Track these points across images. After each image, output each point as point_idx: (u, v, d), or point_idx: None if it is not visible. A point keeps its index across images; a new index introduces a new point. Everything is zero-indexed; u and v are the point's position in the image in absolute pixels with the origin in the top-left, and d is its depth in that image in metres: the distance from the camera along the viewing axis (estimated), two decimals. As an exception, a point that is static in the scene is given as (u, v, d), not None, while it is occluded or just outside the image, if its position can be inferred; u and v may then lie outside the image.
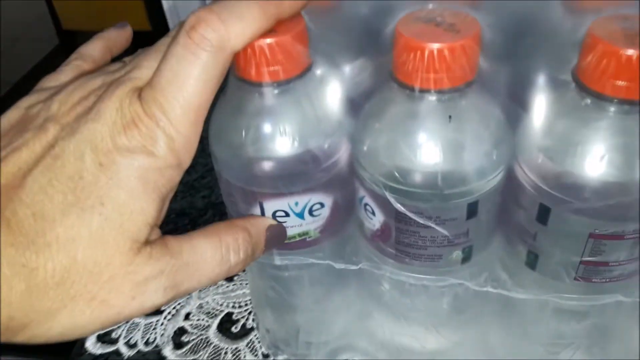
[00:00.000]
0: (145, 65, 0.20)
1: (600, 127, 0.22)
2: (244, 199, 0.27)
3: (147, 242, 0.19)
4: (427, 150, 0.23)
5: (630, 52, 0.20)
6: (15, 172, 0.18)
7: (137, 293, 0.19)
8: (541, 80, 0.26)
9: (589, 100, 0.22)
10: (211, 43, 0.19)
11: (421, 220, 0.25)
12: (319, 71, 0.25)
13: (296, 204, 0.26)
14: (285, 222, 0.27)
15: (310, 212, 0.27)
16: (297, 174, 0.25)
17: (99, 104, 0.19)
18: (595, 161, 0.22)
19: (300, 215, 0.27)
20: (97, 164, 0.18)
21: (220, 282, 0.41)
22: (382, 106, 0.24)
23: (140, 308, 0.20)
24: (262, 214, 0.26)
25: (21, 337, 0.19)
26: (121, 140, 0.18)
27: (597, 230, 0.23)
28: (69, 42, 1.66)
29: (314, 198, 0.26)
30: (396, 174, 0.24)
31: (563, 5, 0.26)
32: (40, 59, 1.93)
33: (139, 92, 0.19)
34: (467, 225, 0.25)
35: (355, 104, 0.26)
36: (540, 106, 0.24)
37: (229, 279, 0.41)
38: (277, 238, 0.25)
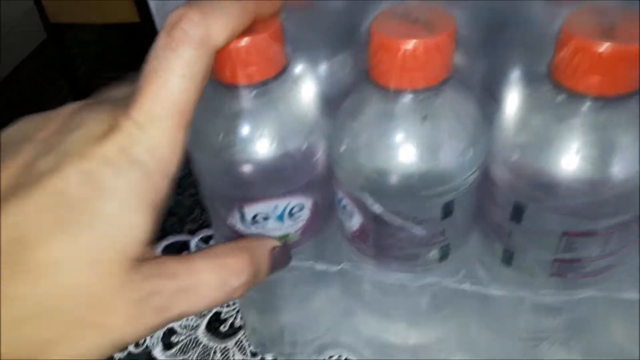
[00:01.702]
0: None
1: (574, 124, 0.21)
2: (223, 203, 0.27)
3: (140, 261, 0.18)
4: (403, 151, 0.23)
5: (603, 46, 0.19)
6: None
7: (133, 314, 0.18)
8: (517, 74, 0.26)
9: (562, 97, 0.21)
10: (193, 39, 0.17)
11: (398, 221, 0.25)
12: (296, 70, 0.25)
13: (276, 207, 0.26)
14: (265, 225, 0.27)
15: (290, 215, 0.27)
16: (276, 177, 0.25)
17: (78, 118, 0.18)
18: (569, 159, 0.22)
19: (280, 218, 0.27)
20: (78, 178, 0.17)
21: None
22: (358, 106, 0.24)
23: (136, 331, 0.18)
24: (242, 218, 0.27)
25: None
26: (102, 149, 0.17)
27: (570, 228, 0.24)
28: (56, 36, 1.64)
29: (293, 201, 0.26)
30: (373, 175, 0.24)
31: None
32: (28, 53, 1.92)
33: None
34: (443, 224, 0.25)
35: (334, 103, 0.26)
36: (514, 102, 0.24)
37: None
38: (282, 260, 0.24)
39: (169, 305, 0.18)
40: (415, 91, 0.22)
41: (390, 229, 0.25)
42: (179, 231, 0.46)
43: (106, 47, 1.96)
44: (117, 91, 0.21)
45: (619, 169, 0.21)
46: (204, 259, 0.20)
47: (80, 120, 0.18)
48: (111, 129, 0.17)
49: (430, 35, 0.21)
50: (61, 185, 0.17)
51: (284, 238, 0.27)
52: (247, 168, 0.24)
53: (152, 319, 0.18)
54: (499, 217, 0.25)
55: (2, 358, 0.16)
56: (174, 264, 0.19)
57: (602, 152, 0.22)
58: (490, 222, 0.26)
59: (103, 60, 1.91)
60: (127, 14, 1.47)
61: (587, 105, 0.21)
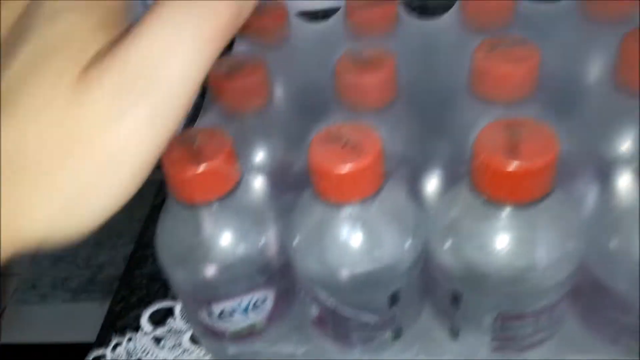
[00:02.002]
0: None
1: (493, 225, 0.25)
2: (192, 301, 0.29)
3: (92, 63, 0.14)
4: (345, 254, 0.26)
5: (510, 164, 0.21)
6: None
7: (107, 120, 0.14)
8: (443, 174, 0.29)
9: (482, 201, 0.23)
10: None
11: (350, 312, 0.28)
12: (249, 180, 0.28)
13: (239, 303, 0.29)
14: (231, 319, 0.29)
15: (255, 307, 0.29)
16: (236, 279, 0.28)
17: None
18: (493, 255, 0.25)
19: (245, 311, 0.29)
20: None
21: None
22: (304, 215, 0.27)
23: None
24: (210, 314, 0.29)
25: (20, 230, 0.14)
26: None
27: (502, 313, 0.26)
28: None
29: (256, 295, 0.29)
30: (322, 275, 0.27)
31: (469, 94, 0.29)
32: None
33: None
34: (392, 311, 0.28)
35: (286, 204, 0.29)
36: (443, 202, 0.27)
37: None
38: None
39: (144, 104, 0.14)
40: (351, 203, 0.24)
41: (344, 318, 0.27)
42: (164, 297, 0.48)
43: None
44: None
45: (536, 263, 0.24)
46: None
47: None
48: None
49: (359, 158, 0.23)
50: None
51: (250, 328, 0.29)
52: (209, 273, 0.27)
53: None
54: (441, 302, 0.27)
55: None
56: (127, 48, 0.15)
57: (521, 249, 0.24)
58: (435, 304, 0.28)
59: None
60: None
61: (503, 211, 0.23)
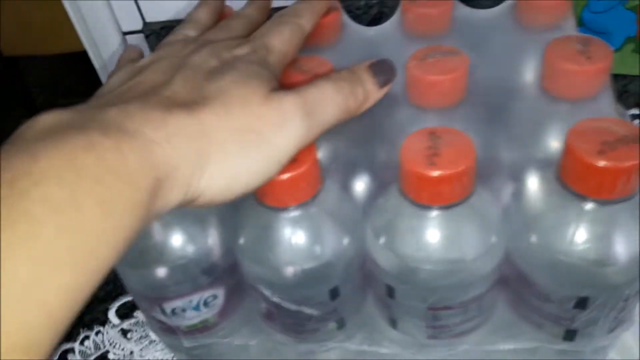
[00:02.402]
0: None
1: (420, 226, 0.26)
2: (144, 300, 0.31)
3: (277, 89, 0.23)
4: (285, 256, 0.28)
5: (430, 171, 0.24)
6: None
7: (282, 120, 0.22)
8: (377, 176, 0.30)
9: (409, 202, 0.25)
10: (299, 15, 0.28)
11: (293, 306, 0.30)
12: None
13: (190, 301, 0.30)
14: (184, 315, 0.31)
15: (205, 304, 0.31)
16: (184, 280, 0.29)
17: (214, 43, 0.26)
18: (420, 253, 0.27)
19: (197, 308, 0.31)
20: (221, 63, 0.23)
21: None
22: (247, 217, 0.28)
23: (288, 138, 0.22)
24: (162, 312, 0.31)
25: (190, 192, 0.20)
26: (236, 51, 0.24)
27: (431, 305, 0.28)
28: (11, 68, 1.66)
29: (206, 293, 0.30)
30: (265, 273, 0.29)
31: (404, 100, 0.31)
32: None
33: None
34: (334, 304, 0.30)
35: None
36: (377, 203, 0.29)
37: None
38: (384, 70, 0.27)
39: (310, 110, 0.23)
40: (290, 207, 0.26)
41: (290, 312, 0.29)
42: (130, 290, 0.50)
43: (60, 75, 1.98)
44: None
45: (461, 259, 0.26)
46: (328, 80, 0.24)
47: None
48: (243, 43, 0.25)
49: (295, 165, 0.25)
50: (210, 71, 0.23)
51: (203, 323, 0.31)
52: (159, 274, 0.29)
53: (299, 125, 0.22)
54: (379, 293, 0.30)
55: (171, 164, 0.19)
56: (303, 88, 0.24)
57: (445, 247, 0.26)
58: (375, 295, 0.31)
59: (59, 88, 1.92)
60: (77, 44, 1.49)
61: (428, 212, 0.25)
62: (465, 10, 0.34)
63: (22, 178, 0.15)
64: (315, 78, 0.25)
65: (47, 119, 0.18)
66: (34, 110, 1.71)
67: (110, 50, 0.52)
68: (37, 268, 0.14)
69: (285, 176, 0.25)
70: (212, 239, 0.29)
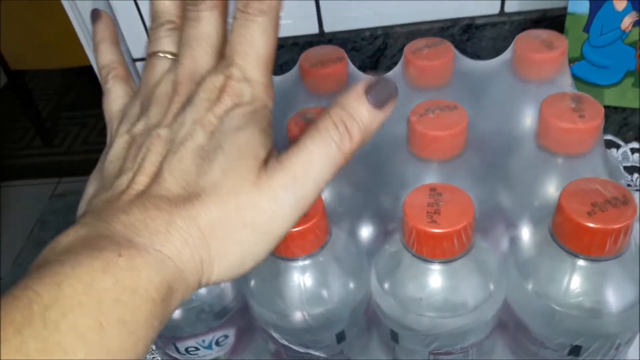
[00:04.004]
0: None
1: (422, 277, 0.28)
2: (160, 339, 0.33)
3: (266, 162, 0.22)
4: (294, 301, 0.30)
5: (431, 228, 0.25)
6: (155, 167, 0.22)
7: (275, 206, 0.22)
8: (382, 225, 0.32)
9: (411, 255, 0.27)
10: (264, 10, 0.23)
11: (301, 349, 0.31)
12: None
13: (203, 341, 0.32)
14: (197, 353, 0.33)
15: (217, 344, 0.33)
16: (196, 321, 0.32)
17: (194, 97, 0.23)
18: (422, 303, 0.29)
19: (209, 347, 0.33)
20: (208, 136, 0.22)
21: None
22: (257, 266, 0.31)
23: (284, 220, 0.22)
24: (177, 351, 0.33)
25: (199, 287, 0.21)
26: (219, 110, 0.22)
27: (433, 350, 0.30)
28: (17, 81, 1.70)
29: (218, 333, 0.33)
30: (274, 319, 0.31)
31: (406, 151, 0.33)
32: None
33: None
34: (340, 347, 0.32)
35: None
36: (380, 253, 0.31)
37: None
38: (383, 93, 0.23)
39: (301, 194, 0.22)
40: (295, 259, 0.28)
41: (298, 354, 0.31)
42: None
43: (65, 88, 2.02)
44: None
45: (460, 309, 0.28)
46: (315, 136, 0.22)
47: (196, 96, 0.23)
48: (220, 93, 0.23)
49: (306, 219, 0.27)
50: (198, 145, 0.22)
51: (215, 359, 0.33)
52: (175, 316, 0.31)
53: (289, 211, 0.22)
54: (384, 336, 0.31)
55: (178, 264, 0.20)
56: (287, 155, 0.22)
57: (447, 297, 0.28)
58: (380, 337, 0.32)
59: (63, 101, 1.96)
60: (85, 58, 1.52)
61: (429, 265, 0.27)
62: (465, 61, 0.36)
63: (52, 308, 0.17)
64: (302, 133, 0.23)
65: (65, 239, 0.20)
66: (39, 122, 1.73)
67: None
68: None
69: (295, 230, 0.27)
70: (224, 283, 0.31)
